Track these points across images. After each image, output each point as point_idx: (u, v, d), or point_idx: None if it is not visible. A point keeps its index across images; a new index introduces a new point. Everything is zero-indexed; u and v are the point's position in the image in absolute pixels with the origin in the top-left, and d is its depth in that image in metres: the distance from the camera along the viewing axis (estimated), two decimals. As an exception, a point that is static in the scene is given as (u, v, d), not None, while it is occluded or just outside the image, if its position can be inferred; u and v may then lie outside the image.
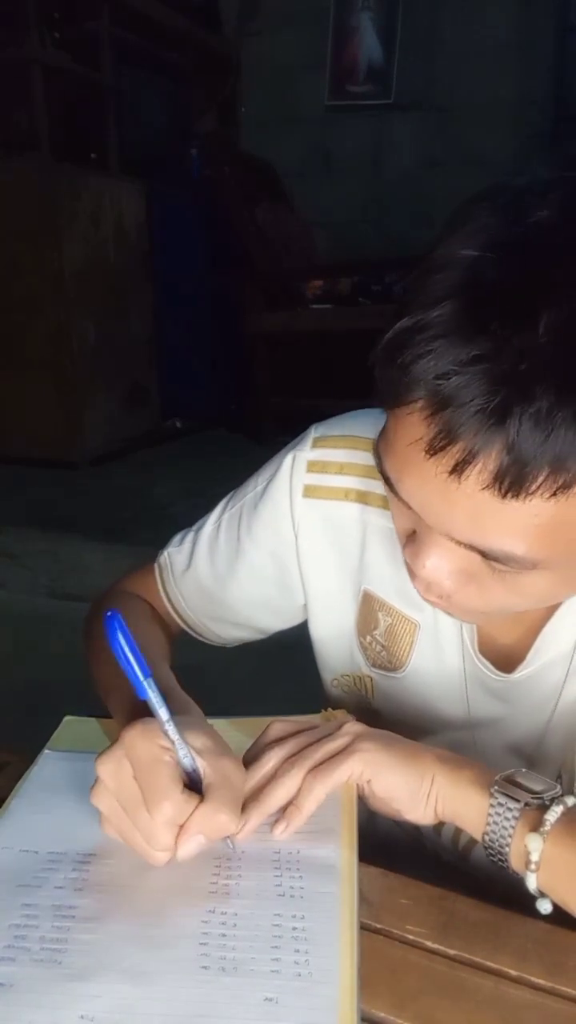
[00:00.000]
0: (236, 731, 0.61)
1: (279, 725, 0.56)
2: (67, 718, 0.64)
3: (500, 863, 0.48)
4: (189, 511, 0.78)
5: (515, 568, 0.45)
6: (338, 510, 0.66)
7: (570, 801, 0.46)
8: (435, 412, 0.41)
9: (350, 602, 0.69)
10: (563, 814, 0.45)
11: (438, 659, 0.65)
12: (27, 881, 0.47)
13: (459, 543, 0.46)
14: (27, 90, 3.32)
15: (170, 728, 0.47)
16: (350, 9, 4.37)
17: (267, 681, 1.74)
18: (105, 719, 0.62)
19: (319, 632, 0.72)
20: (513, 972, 0.43)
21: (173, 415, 4.25)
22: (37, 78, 3.30)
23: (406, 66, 4.33)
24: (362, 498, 0.66)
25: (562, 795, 0.46)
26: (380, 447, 0.48)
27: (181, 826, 0.46)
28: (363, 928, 0.45)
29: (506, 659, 0.63)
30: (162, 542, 0.79)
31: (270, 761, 0.52)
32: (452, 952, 0.44)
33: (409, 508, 0.47)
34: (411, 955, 0.44)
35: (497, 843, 0.47)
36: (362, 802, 0.53)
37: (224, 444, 4.10)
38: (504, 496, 0.41)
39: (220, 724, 0.61)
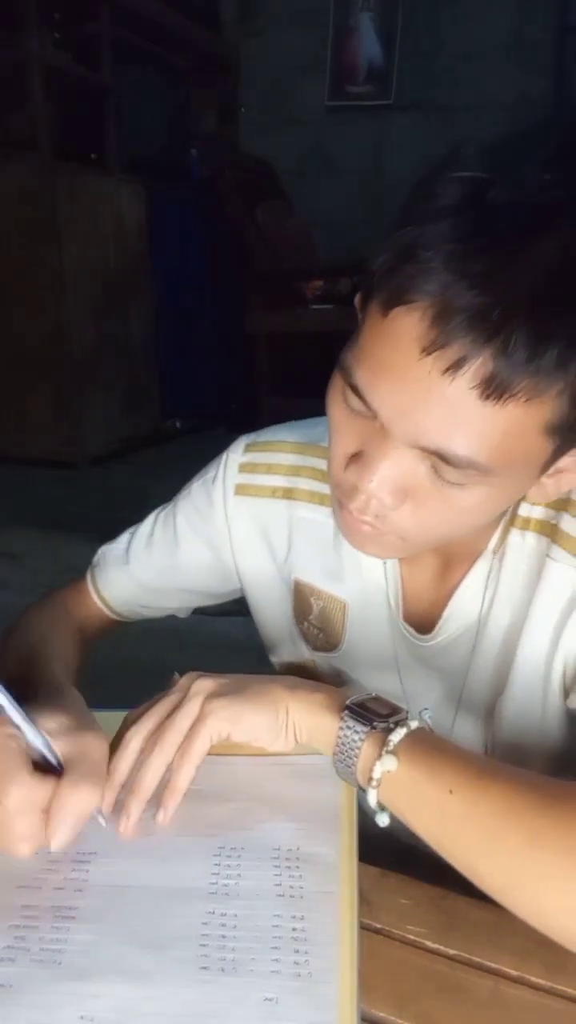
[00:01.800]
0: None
1: (135, 710, 0.57)
2: None
3: (348, 780, 0.51)
4: (189, 511, 0.79)
5: (467, 478, 0.48)
6: (267, 507, 0.72)
7: (413, 724, 0.49)
8: (439, 313, 0.44)
9: (285, 593, 0.73)
10: (406, 735, 0.48)
11: (368, 632, 0.69)
12: (26, 882, 0.47)
13: (423, 449, 0.48)
14: (27, 90, 3.31)
15: (14, 714, 0.47)
16: (350, 9, 4.37)
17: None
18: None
19: (261, 622, 0.78)
20: (513, 972, 0.43)
21: (173, 415, 4.25)
22: (37, 78, 3.30)
23: (406, 66, 4.33)
24: (288, 494, 0.71)
25: (407, 719, 0.49)
26: (351, 357, 0.50)
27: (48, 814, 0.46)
28: (363, 928, 0.45)
29: (427, 624, 0.65)
30: (162, 542, 0.79)
31: (131, 742, 0.53)
32: (452, 952, 0.44)
33: (368, 421, 0.49)
34: (411, 955, 0.44)
35: (344, 761, 0.50)
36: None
37: (224, 444, 4.09)
38: (487, 399, 0.44)
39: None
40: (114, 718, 0.61)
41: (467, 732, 0.67)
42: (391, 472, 0.50)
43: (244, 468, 0.73)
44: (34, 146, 3.35)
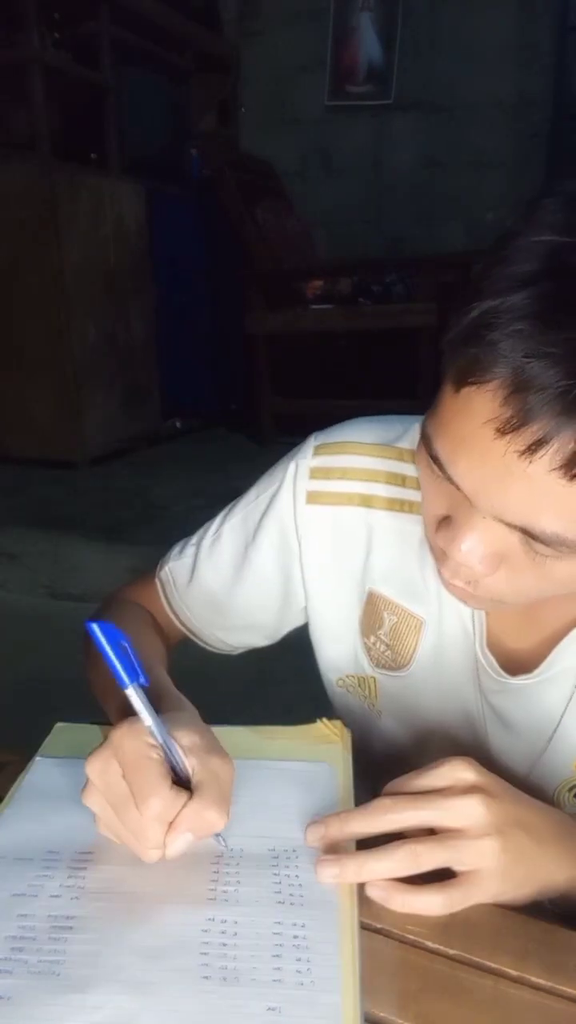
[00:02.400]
0: (231, 737, 0.61)
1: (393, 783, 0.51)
2: (58, 724, 0.63)
3: None
4: (189, 511, 0.78)
5: (558, 552, 0.46)
6: (342, 514, 0.67)
7: None
8: (514, 391, 0.42)
9: (354, 604, 0.69)
10: None
11: (443, 655, 0.65)
12: (22, 890, 0.47)
13: (508, 524, 0.46)
14: (27, 90, 3.31)
15: (155, 728, 0.47)
16: (350, 9, 4.37)
17: (269, 683, 1.74)
18: (106, 725, 0.62)
19: (321, 634, 0.73)
20: (513, 972, 0.43)
21: (173, 415, 4.25)
22: (37, 78, 3.30)
23: (406, 66, 4.33)
24: (365, 501, 0.67)
25: None
26: (430, 427, 0.49)
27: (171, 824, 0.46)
28: (363, 928, 0.45)
29: (515, 664, 0.63)
30: (162, 542, 0.78)
31: (392, 813, 0.47)
32: (452, 952, 0.44)
33: (453, 490, 0.48)
34: (411, 955, 0.44)
35: None
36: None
37: (224, 444, 4.10)
38: (572, 479, 0.42)
39: (219, 732, 0.61)
40: (109, 731, 0.61)
41: (522, 773, 0.65)
42: (480, 542, 0.48)
43: (316, 473, 0.68)
44: (34, 146, 3.35)
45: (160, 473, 3.58)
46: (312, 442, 0.69)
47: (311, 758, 0.58)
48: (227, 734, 0.61)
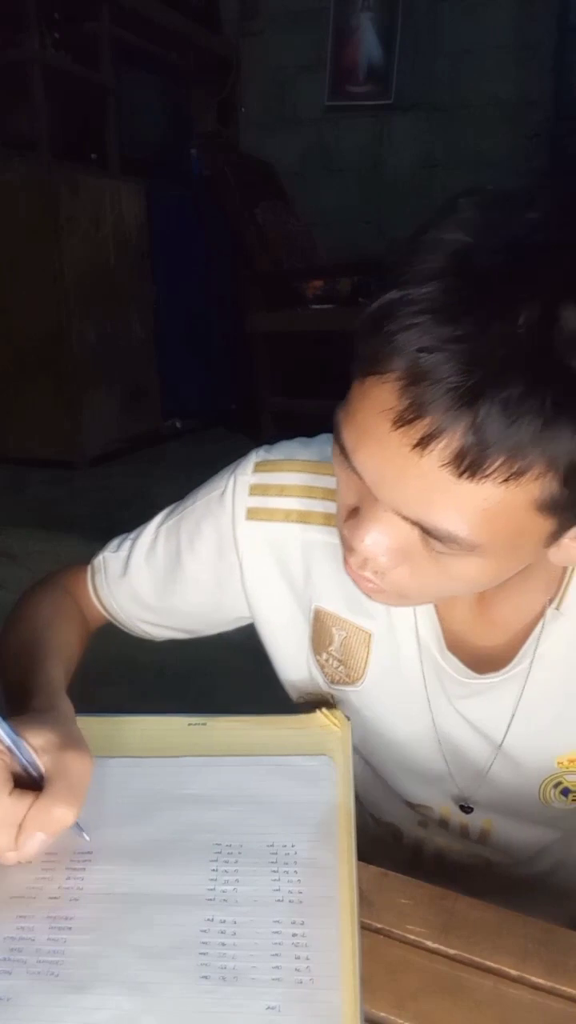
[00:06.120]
0: (231, 729, 0.61)
1: None
2: None
3: None
4: (189, 511, 0.78)
5: (453, 550, 0.46)
6: (281, 531, 0.68)
7: None
8: (409, 384, 0.42)
9: (302, 622, 0.69)
10: None
11: (397, 666, 0.65)
12: (21, 892, 0.47)
13: (405, 518, 0.47)
14: (27, 90, 3.31)
15: (3, 733, 0.48)
16: (350, 9, 4.36)
17: (266, 681, 1.74)
18: (93, 716, 0.62)
19: (275, 655, 0.73)
20: (513, 972, 0.43)
21: (173, 415, 4.24)
22: (37, 78, 3.30)
23: (406, 66, 4.33)
24: (303, 518, 0.67)
25: None
26: (341, 416, 0.49)
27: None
28: (363, 928, 0.45)
29: (487, 662, 0.63)
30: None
31: None
32: (452, 952, 0.44)
33: (359, 480, 0.48)
34: (411, 955, 0.44)
35: None
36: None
37: (224, 444, 4.10)
38: (460, 476, 0.42)
39: (219, 722, 0.61)
40: (108, 723, 0.61)
41: (501, 772, 0.65)
42: (382, 535, 0.48)
43: (255, 490, 0.68)
44: (34, 146, 3.35)
45: (160, 473, 3.58)
46: (253, 458, 0.70)
47: (311, 751, 0.58)
48: (227, 724, 0.61)
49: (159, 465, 3.77)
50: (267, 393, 3.87)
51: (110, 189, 3.64)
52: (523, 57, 4.11)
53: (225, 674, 1.40)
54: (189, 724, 0.61)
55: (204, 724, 0.61)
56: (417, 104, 4.34)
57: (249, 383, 3.97)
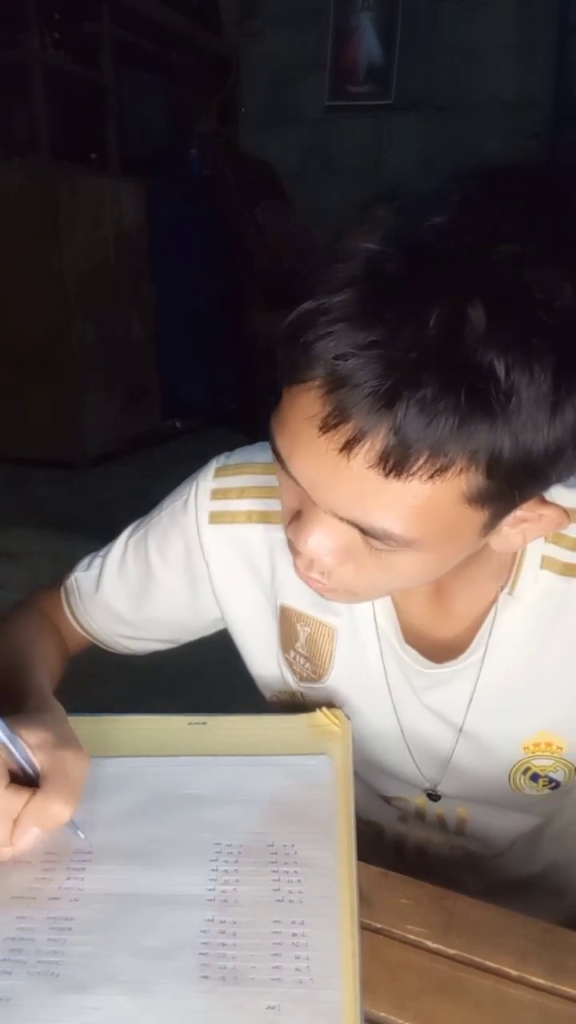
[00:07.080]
0: (232, 729, 0.61)
1: None
2: None
3: None
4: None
5: (392, 546, 0.48)
6: (244, 532, 0.69)
7: None
8: (330, 391, 0.43)
9: (270, 621, 0.71)
10: None
11: (359, 661, 0.66)
12: (21, 892, 0.47)
13: (342, 519, 0.48)
14: (27, 90, 3.31)
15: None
16: (350, 9, 4.36)
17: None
18: (91, 716, 0.62)
19: (246, 654, 0.74)
20: (513, 972, 0.43)
21: (173, 415, 4.24)
22: (37, 78, 3.30)
23: (406, 66, 4.33)
24: (264, 518, 0.69)
25: None
26: (274, 424, 0.50)
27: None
28: (363, 928, 0.45)
29: (445, 652, 0.63)
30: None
31: None
32: (452, 952, 0.44)
33: (297, 485, 0.49)
34: (411, 955, 0.44)
35: None
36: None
37: (224, 444, 4.07)
38: (387, 475, 0.43)
39: (219, 722, 0.61)
40: (108, 722, 0.61)
41: (467, 761, 0.66)
42: (324, 536, 0.50)
43: (216, 494, 0.70)
44: (34, 146, 3.35)
45: (160, 473, 3.56)
46: (214, 464, 0.72)
47: (311, 751, 0.58)
48: (228, 724, 0.61)
49: (159, 465, 3.77)
50: (267, 393, 3.85)
51: (110, 189, 3.64)
52: (523, 57, 4.12)
53: (225, 674, 1.40)
54: (189, 724, 0.62)
55: (204, 724, 0.61)
56: (417, 104, 4.34)
57: (249, 383, 3.97)
